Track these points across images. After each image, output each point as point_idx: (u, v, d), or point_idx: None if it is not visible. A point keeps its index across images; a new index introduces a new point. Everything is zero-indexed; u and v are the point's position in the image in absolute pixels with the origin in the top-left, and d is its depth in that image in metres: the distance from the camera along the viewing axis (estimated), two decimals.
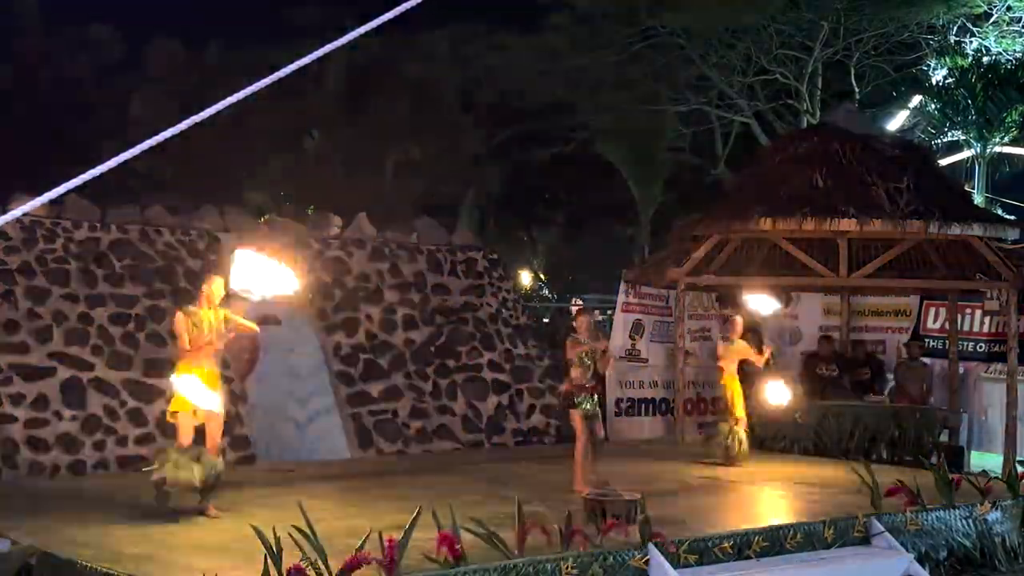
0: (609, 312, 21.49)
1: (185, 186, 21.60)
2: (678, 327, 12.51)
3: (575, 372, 8.53)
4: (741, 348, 10.66)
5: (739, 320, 10.89)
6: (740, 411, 10.48)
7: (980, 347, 13.23)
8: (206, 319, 7.42)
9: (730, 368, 10.58)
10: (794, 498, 8.22)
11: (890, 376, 13.31)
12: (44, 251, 10.17)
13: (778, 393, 10.89)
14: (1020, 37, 19.91)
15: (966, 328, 13.31)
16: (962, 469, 11.43)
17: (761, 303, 11.19)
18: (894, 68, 21.23)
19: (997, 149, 20.68)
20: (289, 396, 11.30)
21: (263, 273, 7.09)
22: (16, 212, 3.26)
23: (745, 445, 10.35)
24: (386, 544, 5.26)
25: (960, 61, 20.23)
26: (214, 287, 7.50)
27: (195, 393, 7.24)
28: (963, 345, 13.23)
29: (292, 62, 3.33)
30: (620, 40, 20.89)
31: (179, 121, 3.12)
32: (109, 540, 6.35)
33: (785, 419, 11.68)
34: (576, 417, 8.49)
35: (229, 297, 7.50)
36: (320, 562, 5.16)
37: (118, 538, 6.45)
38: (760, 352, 10.84)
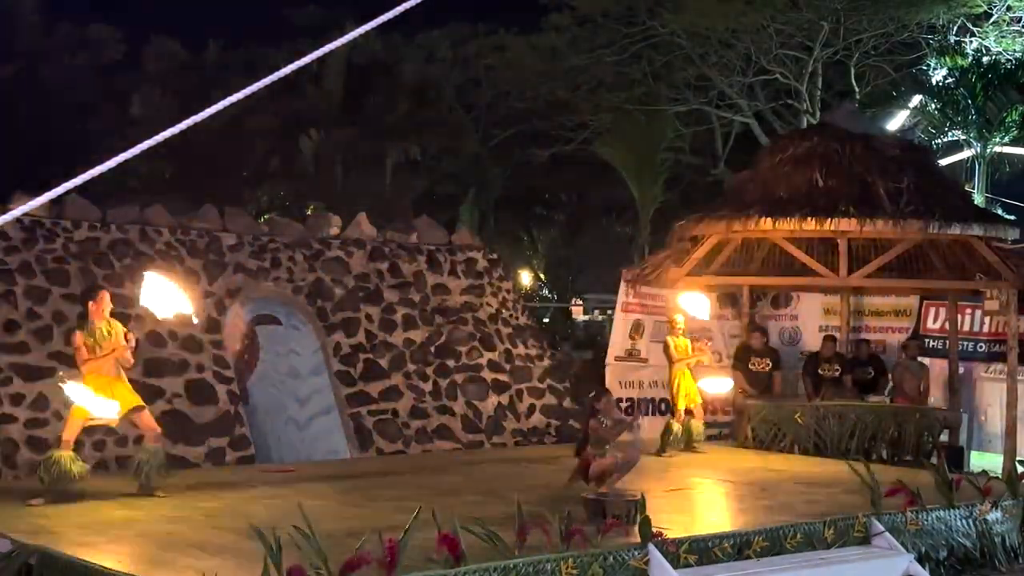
0: (609, 312, 21.50)
1: (185, 186, 21.62)
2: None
3: (591, 448, 8.42)
4: (684, 344, 11.34)
5: (679, 318, 11.46)
6: (687, 403, 11.24)
7: (980, 347, 13.23)
8: (101, 332, 7.97)
9: (679, 364, 11.28)
10: (794, 498, 8.21)
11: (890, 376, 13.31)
12: (44, 251, 10.17)
13: (717, 386, 11.50)
14: (1020, 37, 19.92)
15: (966, 328, 13.30)
16: (962, 469, 11.43)
17: (695, 305, 11.50)
18: (894, 68, 21.25)
19: (997, 149, 20.69)
20: (289, 396, 11.30)
21: (166, 295, 7.98)
22: (16, 212, 3.27)
23: (697, 433, 11.27)
24: (386, 544, 5.25)
25: (960, 61, 20.24)
26: (102, 303, 8.09)
27: (88, 402, 7.73)
28: (963, 345, 13.22)
29: (292, 62, 3.33)
30: (620, 40, 20.91)
31: (179, 121, 3.12)
32: (109, 540, 6.35)
33: (785, 419, 11.69)
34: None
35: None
36: (320, 562, 5.15)
37: (118, 538, 6.46)
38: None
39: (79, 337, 7.96)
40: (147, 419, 8.19)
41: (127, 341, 8.07)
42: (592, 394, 9.30)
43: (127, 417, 8.13)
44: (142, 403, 8.22)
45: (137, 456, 8.13)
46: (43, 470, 7.75)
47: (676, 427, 11.15)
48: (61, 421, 9.25)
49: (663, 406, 13.05)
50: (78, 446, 9.12)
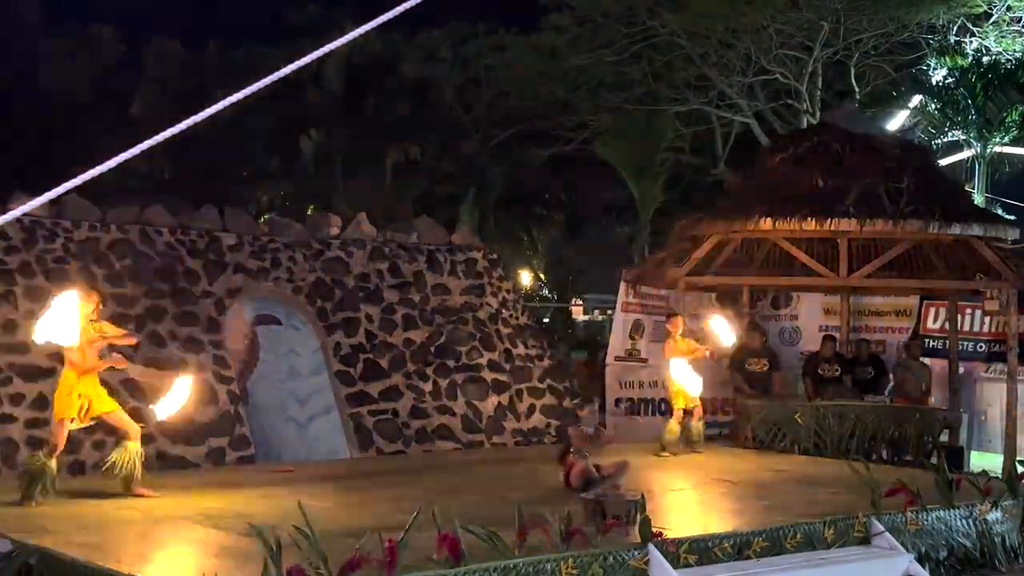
0: (609, 312, 21.50)
1: (185, 186, 21.63)
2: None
3: (572, 457, 8.47)
4: (686, 345, 11.23)
5: (680, 319, 11.41)
6: (686, 403, 11.14)
7: (980, 347, 13.23)
8: (90, 331, 7.92)
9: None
10: (794, 498, 8.21)
11: (891, 376, 13.31)
12: (44, 251, 10.16)
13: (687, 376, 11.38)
14: (1020, 37, 19.91)
15: (966, 328, 13.31)
16: (962, 469, 11.43)
17: (723, 331, 11.53)
18: (894, 68, 21.24)
19: (997, 149, 20.68)
20: (289, 396, 11.30)
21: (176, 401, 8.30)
22: (16, 212, 3.27)
23: (697, 433, 11.18)
24: (386, 544, 5.25)
25: (960, 61, 20.24)
26: (86, 303, 8.00)
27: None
28: (963, 345, 13.22)
29: (292, 62, 3.33)
30: (620, 40, 20.90)
31: (179, 121, 3.12)
32: (109, 540, 6.35)
33: (785, 419, 11.69)
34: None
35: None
36: (320, 562, 5.15)
37: (118, 538, 6.46)
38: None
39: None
40: (122, 420, 8.14)
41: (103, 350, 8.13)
42: (575, 401, 9.36)
43: (104, 420, 8.11)
44: (116, 406, 8.19)
45: (115, 456, 8.06)
46: (32, 476, 7.67)
47: (675, 427, 11.14)
48: None
49: (663, 406, 13.06)
50: (78, 446, 9.16)
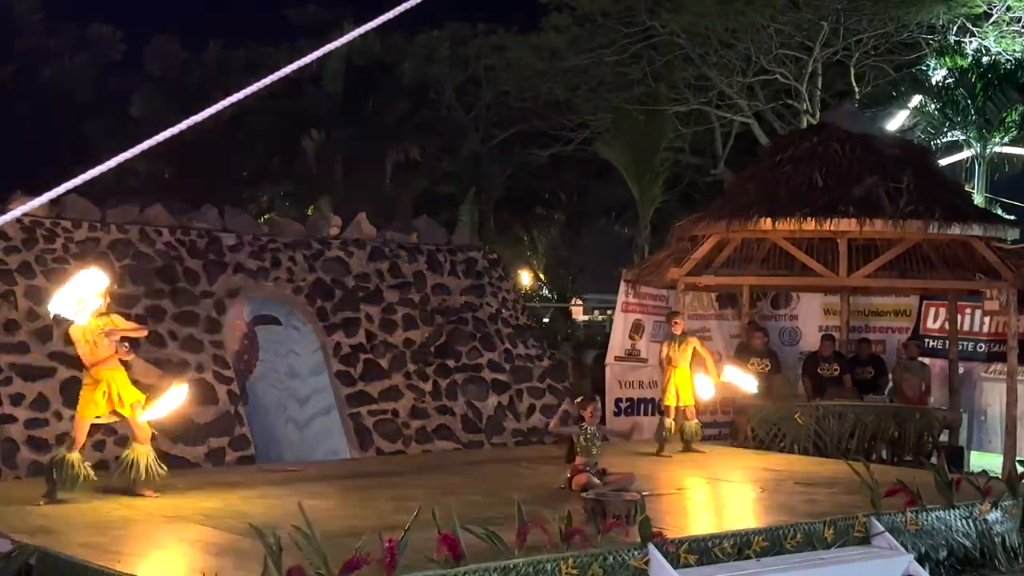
0: (609, 312, 21.49)
1: (185, 186, 21.63)
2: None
3: (579, 459, 8.49)
4: (685, 350, 11.20)
5: (679, 320, 11.37)
6: (677, 403, 11.07)
7: (980, 347, 13.24)
8: (95, 328, 7.91)
9: (681, 363, 11.09)
10: (794, 498, 8.21)
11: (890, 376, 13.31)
12: (44, 251, 10.16)
13: (742, 380, 11.45)
14: (1020, 37, 19.90)
15: (966, 328, 13.31)
16: (962, 469, 11.44)
17: (741, 380, 11.50)
18: (894, 68, 21.22)
19: (997, 149, 20.67)
20: (289, 396, 11.30)
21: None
22: (16, 212, 3.27)
23: (691, 432, 11.08)
24: (386, 544, 5.26)
25: (960, 61, 20.22)
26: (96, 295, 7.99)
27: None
28: (963, 345, 13.23)
29: (292, 62, 3.33)
30: (620, 40, 20.90)
31: (179, 121, 3.13)
32: (109, 540, 6.35)
33: (785, 419, 11.70)
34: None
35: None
36: (320, 562, 5.15)
37: (118, 538, 6.46)
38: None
39: (76, 331, 7.89)
40: (136, 421, 8.14)
41: (116, 342, 8.07)
42: (579, 400, 9.34)
43: (123, 418, 8.14)
44: (143, 396, 8.20)
45: (126, 456, 8.09)
46: (55, 470, 7.73)
47: (669, 423, 11.05)
48: (61, 421, 9.30)
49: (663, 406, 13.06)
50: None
